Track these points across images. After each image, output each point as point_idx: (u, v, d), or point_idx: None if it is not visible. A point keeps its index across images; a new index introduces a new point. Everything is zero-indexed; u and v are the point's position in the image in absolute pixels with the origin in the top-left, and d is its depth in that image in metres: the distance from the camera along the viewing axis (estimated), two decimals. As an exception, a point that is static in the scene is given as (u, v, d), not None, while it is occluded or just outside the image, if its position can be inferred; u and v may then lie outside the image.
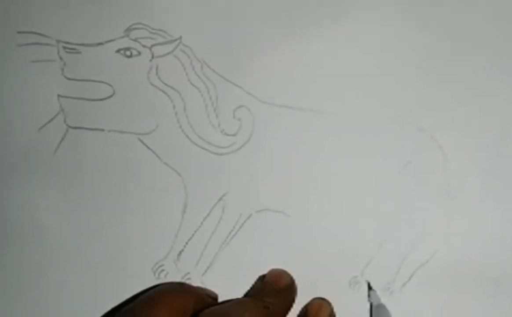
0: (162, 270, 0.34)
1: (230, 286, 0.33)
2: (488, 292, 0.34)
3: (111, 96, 0.35)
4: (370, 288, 0.34)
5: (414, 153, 0.34)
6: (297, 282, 0.33)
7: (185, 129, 0.34)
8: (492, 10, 0.35)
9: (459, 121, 0.35)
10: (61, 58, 0.34)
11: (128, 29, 0.35)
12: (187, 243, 0.34)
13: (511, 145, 0.34)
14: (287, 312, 0.32)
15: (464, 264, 0.34)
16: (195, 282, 0.34)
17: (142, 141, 0.35)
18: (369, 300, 0.34)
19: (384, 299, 0.34)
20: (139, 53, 0.34)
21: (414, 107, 0.35)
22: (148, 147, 0.35)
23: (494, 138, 0.34)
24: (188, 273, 0.34)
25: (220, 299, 0.33)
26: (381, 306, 0.34)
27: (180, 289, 0.31)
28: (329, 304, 0.33)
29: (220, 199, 0.34)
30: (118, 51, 0.34)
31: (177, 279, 0.34)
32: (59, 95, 0.35)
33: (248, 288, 0.33)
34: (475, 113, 0.35)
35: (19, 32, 0.35)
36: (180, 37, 0.35)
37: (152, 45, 0.34)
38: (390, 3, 0.35)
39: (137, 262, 0.34)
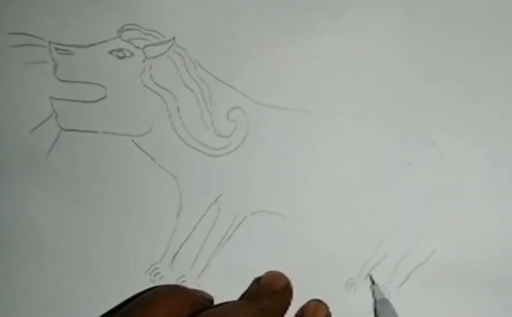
0: (157, 273, 0.34)
1: (226, 288, 0.33)
2: (485, 292, 0.34)
3: (104, 98, 0.34)
4: (373, 282, 0.34)
5: (413, 155, 0.34)
6: (293, 284, 0.33)
7: (179, 131, 0.34)
8: (492, 12, 0.35)
9: (458, 122, 0.34)
10: (53, 59, 0.34)
11: (121, 30, 0.34)
12: (182, 245, 0.34)
13: (510, 147, 0.34)
14: (283, 315, 0.32)
15: (461, 264, 0.34)
16: (191, 285, 0.34)
17: (136, 143, 0.34)
18: (372, 295, 0.34)
19: (380, 299, 0.34)
20: (132, 54, 0.34)
21: (413, 109, 0.35)
22: (142, 150, 0.34)
23: (492, 140, 0.34)
24: (183, 275, 0.34)
25: (215, 302, 0.33)
26: (385, 300, 0.34)
27: (175, 291, 0.30)
28: (325, 306, 0.32)
29: (215, 201, 0.34)
30: (110, 52, 0.34)
31: (172, 281, 0.34)
32: (51, 97, 0.34)
33: (244, 290, 0.33)
34: (473, 115, 0.34)
35: (10, 33, 0.34)
36: (174, 38, 0.34)
37: (145, 46, 0.34)
38: (388, 4, 0.35)
39: (132, 264, 0.34)
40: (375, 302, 0.34)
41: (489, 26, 0.35)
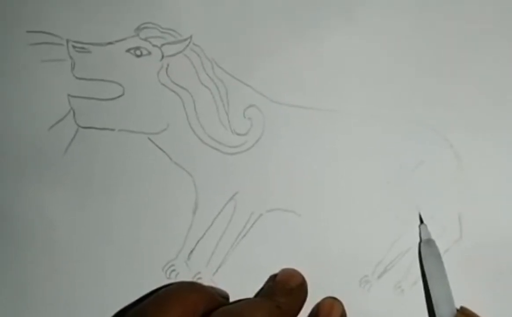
0: (173, 270, 0.34)
1: (241, 286, 0.33)
2: (500, 292, 0.34)
3: (121, 95, 0.35)
4: (421, 221, 0.34)
5: (427, 153, 0.34)
6: (308, 281, 0.33)
7: (195, 128, 0.34)
8: (507, 8, 0.35)
9: (472, 120, 0.34)
10: (71, 57, 0.34)
11: (138, 29, 0.34)
12: (197, 243, 0.34)
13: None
14: (298, 312, 0.32)
15: (476, 262, 0.34)
16: (206, 282, 0.34)
17: (152, 141, 0.35)
18: (419, 235, 0.34)
19: (394, 297, 0.34)
20: (149, 52, 0.34)
21: (427, 106, 0.34)
22: (159, 147, 0.34)
23: (507, 137, 0.34)
24: (199, 272, 0.34)
25: (231, 299, 0.33)
26: (430, 241, 0.33)
27: (191, 288, 0.31)
28: (340, 303, 0.33)
29: (231, 199, 0.34)
30: (128, 50, 0.34)
31: (188, 278, 0.34)
32: (69, 95, 0.35)
33: (259, 287, 0.33)
34: (488, 113, 0.34)
35: (28, 32, 0.35)
36: (191, 37, 0.35)
37: (162, 45, 0.34)
38: (403, 2, 0.35)
39: (147, 262, 0.34)
40: (420, 241, 0.34)
41: (506, 24, 0.35)
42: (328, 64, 0.35)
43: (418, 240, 0.34)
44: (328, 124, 0.35)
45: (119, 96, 0.35)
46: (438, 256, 0.33)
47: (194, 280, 0.34)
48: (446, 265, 0.33)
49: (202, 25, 0.35)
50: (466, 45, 0.35)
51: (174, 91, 0.34)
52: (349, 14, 0.35)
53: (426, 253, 0.33)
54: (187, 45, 0.34)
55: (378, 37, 0.35)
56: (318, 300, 0.33)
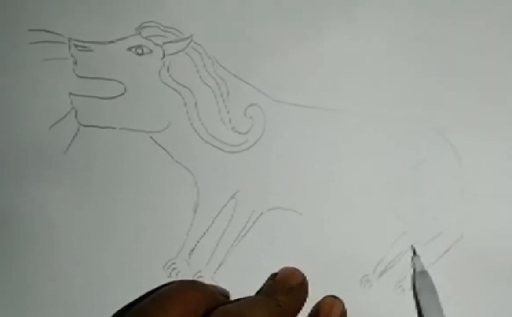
0: (174, 269, 0.34)
1: (242, 284, 0.33)
2: (501, 292, 0.34)
3: (122, 94, 0.35)
4: (414, 253, 0.34)
5: (428, 153, 0.34)
6: (308, 280, 0.33)
7: (196, 127, 0.34)
8: (507, 8, 0.35)
9: (472, 120, 0.35)
10: (72, 56, 0.35)
11: (140, 27, 0.35)
12: (198, 241, 0.34)
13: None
14: (299, 310, 0.32)
15: (477, 262, 0.34)
16: (207, 280, 0.34)
17: (153, 140, 0.35)
18: (412, 266, 0.34)
19: (395, 296, 0.34)
20: (151, 51, 0.34)
21: (428, 106, 0.35)
22: (160, 146, 0.35)
23: (507, 137, 0.34)
24: (200, 271, 0.34)
25: (232, 297, 0.33)
26: (424, 273, 0.33)
27: (191, 287, 0.31)
28: (341, 302, 0.33)
29: (231, 197, 0.34)
30: (129, 49, 0.34)
31: (189, 277, 0.34)
32: (70, 93, 0.35)
33: (260, 286, 0.33)
34: (488, 113, 0.34)
35: (30, 30, 0.35)
36: (192, 35, 0.35)
37: (164, 43, 0.34)
38: (403, 2, 0.35)
39: (148, 260, 0.34)
40: (414, 273, 0.34)
41: (506, 24, 0.35)
42: (328, 64, 0.35)
43: (418, 240, 0.34)
44: (329, 123, 0.35)
45: (120, 95, 0.35)
46: (432, 288, 0.33)
47: (195, 278, 0.34)
48: (446, 265, 0.33)
49: (203, 24, 0.35)
50: (466, 45, 0.35)
51: (175, 90, 0.34)
52: (349, 14, 0.35)
53: (421, 285, 0.33)
54: (189, 44, 0.35)
55: (378, 37, 0.35)
56: (318, 299, 0.33)
